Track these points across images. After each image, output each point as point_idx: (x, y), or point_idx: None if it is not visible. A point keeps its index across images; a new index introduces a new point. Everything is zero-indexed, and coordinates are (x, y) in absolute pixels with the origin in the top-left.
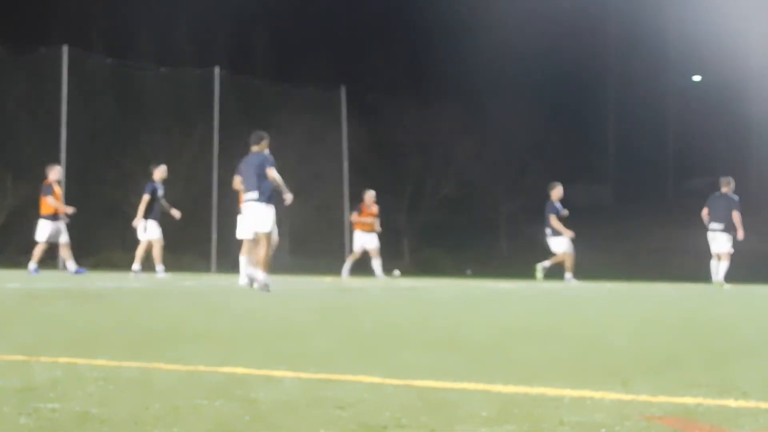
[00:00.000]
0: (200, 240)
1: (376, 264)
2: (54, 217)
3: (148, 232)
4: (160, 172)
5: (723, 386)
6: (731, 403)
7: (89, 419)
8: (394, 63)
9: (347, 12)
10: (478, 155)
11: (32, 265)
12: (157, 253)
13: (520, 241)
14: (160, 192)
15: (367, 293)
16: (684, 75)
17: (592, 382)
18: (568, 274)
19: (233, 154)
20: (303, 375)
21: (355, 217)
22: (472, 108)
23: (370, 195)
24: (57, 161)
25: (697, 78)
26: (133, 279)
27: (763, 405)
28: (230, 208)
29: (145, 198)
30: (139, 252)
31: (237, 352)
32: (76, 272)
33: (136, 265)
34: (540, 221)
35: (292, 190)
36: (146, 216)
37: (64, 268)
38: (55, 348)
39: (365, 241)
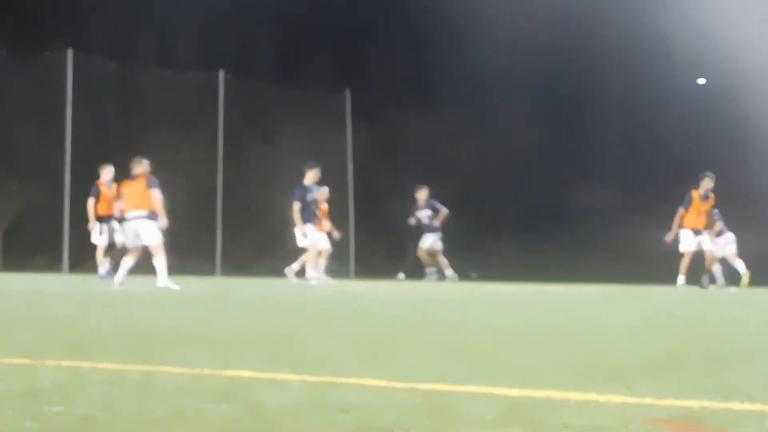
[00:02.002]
0: (204, 243)
1: (323, 264)
2: (102, 218)
3: (309, 237)
4: (313, 175)
5: (728, 389)
6: (736, 406)
7: (93, 423)
8: (398, 66)
9: (352, 15)
10: (482, 158)
11: (101, 270)
12: (312, 258)
13: (525, 243)
14: (314, 195)
15: (372, 296)
16: (688, 78)
17: (596, 385)
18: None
19: (238, 157)
20: (307, 378)
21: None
22: (477, 111)
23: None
24: (62, 164)
25: (701, 81)
26: (311, 286)
27: (767, 408)
28: (235, 211)
29: (297, 205)
30: (310, 258)
31: (241, 356)
32: (101, 277)
33: (310, 272)
34: (539, 225)
35: (295, 192)
36: (304, 221)
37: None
38: (59, 351)
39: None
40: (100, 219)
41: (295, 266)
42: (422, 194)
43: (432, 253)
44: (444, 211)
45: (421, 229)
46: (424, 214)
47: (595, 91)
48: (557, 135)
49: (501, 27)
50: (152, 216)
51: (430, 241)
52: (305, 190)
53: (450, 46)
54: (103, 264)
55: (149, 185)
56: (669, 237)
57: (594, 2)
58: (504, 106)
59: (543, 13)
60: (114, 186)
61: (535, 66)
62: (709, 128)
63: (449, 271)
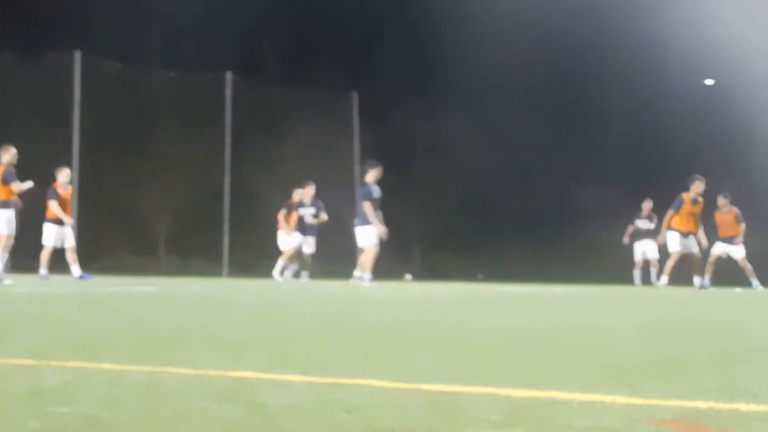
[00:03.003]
0: (211, 244)
1: (292, 265)
2: (59, 221)
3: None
4: (375, 174)
5: (733, 390)
6: (741, 406)
7: (97, 423)
8: (405, 68)
9: (358, 17)
10: (488, 159)
11: (42, 270)
12: (365, 259)
13: (530, 244)
14: (377, 194)
15: (377, 297)
16: (696, 78)
17: (601, 385)
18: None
19: (245, 158)
20: (311, 378)
21: (284, 216)
22: (483, 112)
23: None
24: (69, 166)
25: (709, 82)
26: (362, 287)
27: None
28: (242, 212)
29: (368, 204)
30: (366, 259)
31: (245, 356)
32: (80, 278)
33: (358, 272)
34: (544, 226)
35: (361, 192)
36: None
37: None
38: (63, 352)
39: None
40: (57, 221)
41: (366, 275)
42: (310, 191)
43: (299, 253)
44: (324, 216)
45: (301, 228)
46: (308, 212)
47: (602, 92)
48: (563, 136)
49: (507, 30)
50: (4, 205)
51: (303, 242)
52: (370, 188)
53: (456, 48)
54: (45, 265)
55: (4, 180)
56: (660, 239)
57: (599, 4)
58: (510, 108)
59: (549, 16)
60: (69, 188)
61: (540, 68)
62: (716, 129)
63: (306, 272)
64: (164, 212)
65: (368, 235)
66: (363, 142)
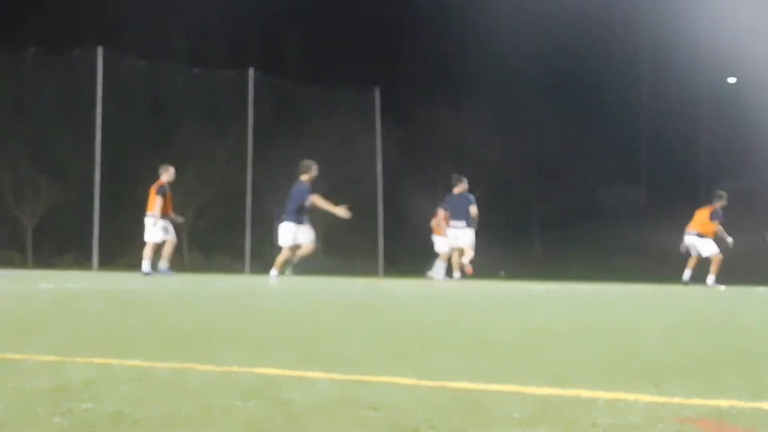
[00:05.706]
0: (234, 241)
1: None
2: (164, 215)
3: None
4: (464, 185)
5: (756, 389)
6: (765, 405)
7: (122, 419)
8: (427, 65)
9: (381, 14)
10: (511, 157)
11: (163, 264)
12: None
13: (554, 242)
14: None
15: (401, 294)
16: (718, 76)
17: (625, 384)
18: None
19: (267, 155)
20: (336, 376)
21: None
22: (507, 110)
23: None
24: (92, 162)
25: (732, 80)
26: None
27: None
28: (265, 209)
29: (475, 208)
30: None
31: (270, 353)
32: (146, 273)
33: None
34: (568, 224)
35: (325, 191)
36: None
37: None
38: (88, 348)
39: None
40: (162, 216)
41: (461, 271)
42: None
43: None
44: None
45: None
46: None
47: (625, 91)
48: (588, 135)
49: (531, 27)
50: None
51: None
52: (468, 195)
53: (479, 45)
54: (147, 260)
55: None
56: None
57: (626, 4)
58: (533, 106)
59: (575, 15)
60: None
61: (566, 66)
62: (739, 127)
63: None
64: (187, 208)
65: (472, 236)
66: (385, 138)
